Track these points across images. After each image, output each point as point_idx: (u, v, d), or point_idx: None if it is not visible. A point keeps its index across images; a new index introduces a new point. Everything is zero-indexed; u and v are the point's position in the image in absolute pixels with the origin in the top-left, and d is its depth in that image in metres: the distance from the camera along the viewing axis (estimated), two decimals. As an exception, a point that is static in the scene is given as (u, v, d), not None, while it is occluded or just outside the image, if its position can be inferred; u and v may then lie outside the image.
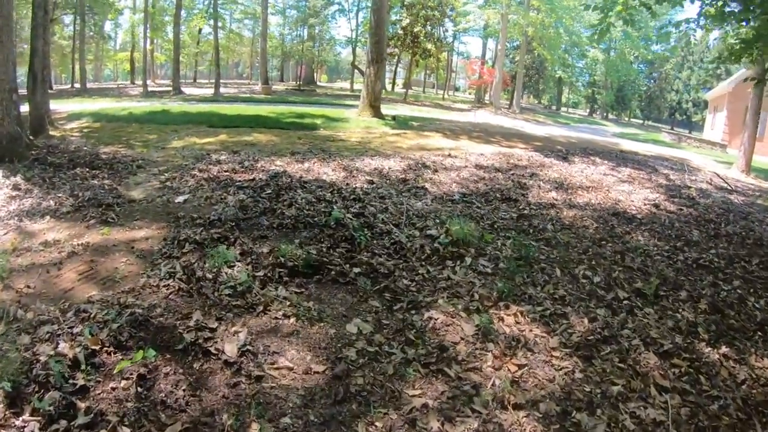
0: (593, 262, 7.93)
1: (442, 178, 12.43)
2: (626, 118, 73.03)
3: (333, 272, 6.63)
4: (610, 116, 69.60)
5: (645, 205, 11.48)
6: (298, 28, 55.75)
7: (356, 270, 6.79)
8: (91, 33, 58.82)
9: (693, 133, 64.14)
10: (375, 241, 7.91)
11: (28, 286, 5.92)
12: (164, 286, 5.86)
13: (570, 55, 61.09)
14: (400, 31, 44.03)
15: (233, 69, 79.43)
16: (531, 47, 50.15)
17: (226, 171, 11.82)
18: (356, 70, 53.47)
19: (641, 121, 71.07)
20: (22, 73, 29.22)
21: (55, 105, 27.47)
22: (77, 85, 45.42)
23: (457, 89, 69.18)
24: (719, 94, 41.81)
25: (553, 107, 69.39)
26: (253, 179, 11.16)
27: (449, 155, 15.08)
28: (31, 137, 14.42)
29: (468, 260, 7.43)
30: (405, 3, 43.30)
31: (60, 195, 9.53)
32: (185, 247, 7.13)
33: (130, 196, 9.82)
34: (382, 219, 8.97)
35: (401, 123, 23.37)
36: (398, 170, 13.27)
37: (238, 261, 6.60)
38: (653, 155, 21.50)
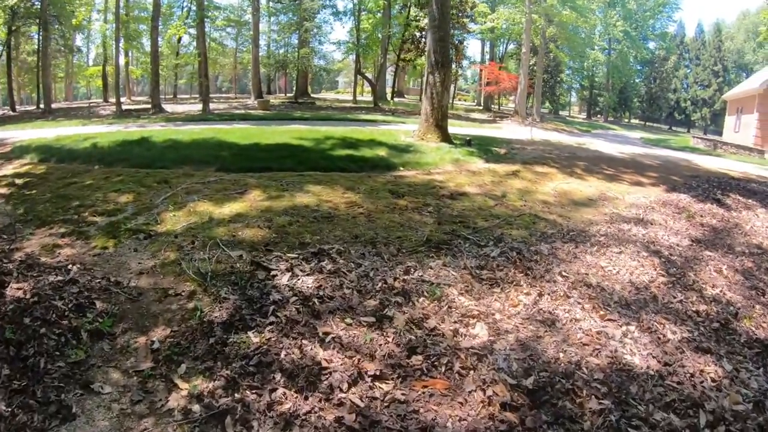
0: None
1: (732, 294, 6.63)
2: (626, 120, 66.21)
3: None
4: (609, 118, 62.55)
5: None
6: (290, 35, 46.93)
7: None
8: (60, 47, 49.30)
9: (692, 131, 58.58)
10: None
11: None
12: None
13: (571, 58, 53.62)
14: (417, 33, 35.82)
15: (212, 83, 70.24)
16: (548, 49, 42.37)
17: (365, 359, 4.18)
18: (363, 79, 45.02)
19: (642, 123, 64.27)
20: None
21: (6, 133, 20.29)
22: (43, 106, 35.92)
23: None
24: (744, 95, 34.66)
25: (555, 112, 61.86)
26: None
27: (642, 220, 9.59)
28: None
29: None
30: (421, 0, 34.98)
31: None
32: None
33: None
34: None
35: (484, 151, 15.85)
36: (663, 285, 6.61)
37: None
38: (743, 176, 16.75)
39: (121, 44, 35.79)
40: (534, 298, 5.61)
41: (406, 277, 5.70)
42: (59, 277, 5.31)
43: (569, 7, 36.55)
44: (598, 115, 64.48)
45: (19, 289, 5.05)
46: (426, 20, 33.72)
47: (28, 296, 4.88)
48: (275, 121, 24.05)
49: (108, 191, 8.98)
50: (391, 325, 4.70)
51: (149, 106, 31.85)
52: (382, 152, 13.61)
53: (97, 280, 5.33)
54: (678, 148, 27.97)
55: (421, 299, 5.25)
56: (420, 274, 5.80)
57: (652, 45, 61.69)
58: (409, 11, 39.68)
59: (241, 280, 5.25)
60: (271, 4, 45.82)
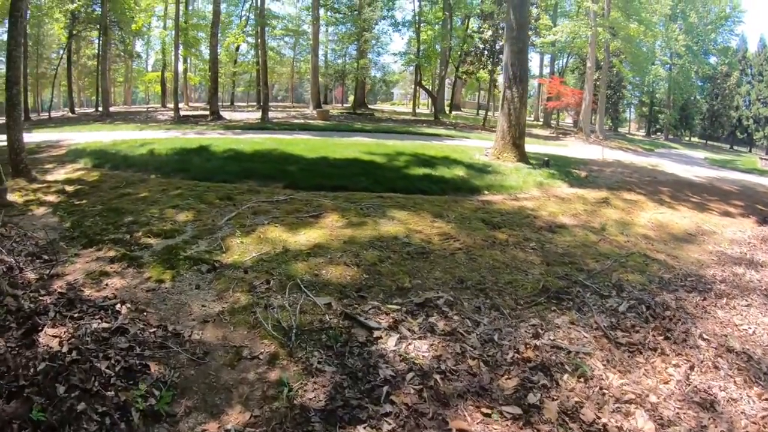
0: None
1: None
2: (686, 138, 62.94)
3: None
4: (669, 136, 59.58)
5: None
6: (348, 45, 45.95)
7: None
8: (120, 52, 49.56)
9: (754, 150, 55.34)
10: None
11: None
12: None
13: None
14: (480, 45, 34.42)
15: (269, 91, 69.83)
16: (611, 64, 40.42)
17: None
18: (422, 90, 43.76)
19: (703, 141, 60.93)
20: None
21: (63, 134, 19.97)
22: (102, 109, 35.73)
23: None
24: None
25: (614, 129, 59.13)
26: None
27: (752, 262, 8.19)
28: None
29: None
30: (484, 12, 33.56)
31: None
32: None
33: None
34: None
35: (564, 173, 14.52)
36: None
37: None
38: None
39: (180, 51, 35.38)
40: (684, 371, 4.43)
41: (537, 343, 4.44)
42: (105, 324, 4.18)
43: (635, 20, 34.70)
44: (658, 133, 61.52)
45: (54, 336, 3.95)
46: (489, 32, 32.45)
47: (65, 350, 3.76)
48: (336, 133, 23.02)
49: (165, 207, 7.93)
50: (541, 417, 3.45)
51: (207, 112, 31.31)
52: (460, 172, 12.35)
53: (152, 330, 4.18)
54: (746, 170, 26.11)
55: (564, 376, 3.99)
56: (551, 338, 4.55)
57: (713, 60, 58.50)
58: (467, 23, 38.34)
59: (336, 342, 4.03)
60: (329, 14, 45.03)
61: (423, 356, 3.92)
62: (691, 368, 4.43)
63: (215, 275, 5.32)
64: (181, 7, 32.30)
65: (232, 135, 19.95)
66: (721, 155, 40.03)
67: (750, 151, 56.57)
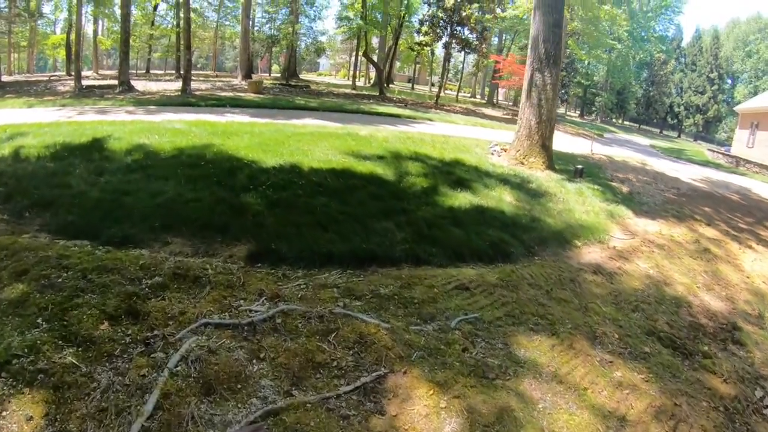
0: None
1: None
2: (620, 121, 62.09)
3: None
4: (604, 119, 58.35)
5: None
6: (280, 8, 39.93)
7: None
8: (21, 11, 41.29)
9: (683, 136, 54.90)
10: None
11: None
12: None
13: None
14: (440, 14, 29.51)
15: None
16: (566, 45, 37.03)
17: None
18: (370, 63, 38.41)
19: (636, 125, 60.37)
20: None
21: None
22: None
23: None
24: (763, 110, 30.39)
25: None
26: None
27: None
28: None
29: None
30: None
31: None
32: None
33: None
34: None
35: (607, 188, 10.89)
36: None
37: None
38: None
39: (88, 9, 28.40)
40: None
41: None
42: None
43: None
44: (593, 115, 60.09)
45: None
46: (451, 1, 27.82)
47: None
48: (279, 111, 17.87)
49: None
50: None
51: (116, 82, 24.89)
52: (508, 197, 8.01)
53: None
54: (701, 163, 24.17)
55: None
56: None
57: (649, 47, 57.47)
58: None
59: None
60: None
61: None
62: None
63: None
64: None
65: (145, 115, 14.43)
66: (664, 142, 39.00)
67: (679, 136, 57.59)
